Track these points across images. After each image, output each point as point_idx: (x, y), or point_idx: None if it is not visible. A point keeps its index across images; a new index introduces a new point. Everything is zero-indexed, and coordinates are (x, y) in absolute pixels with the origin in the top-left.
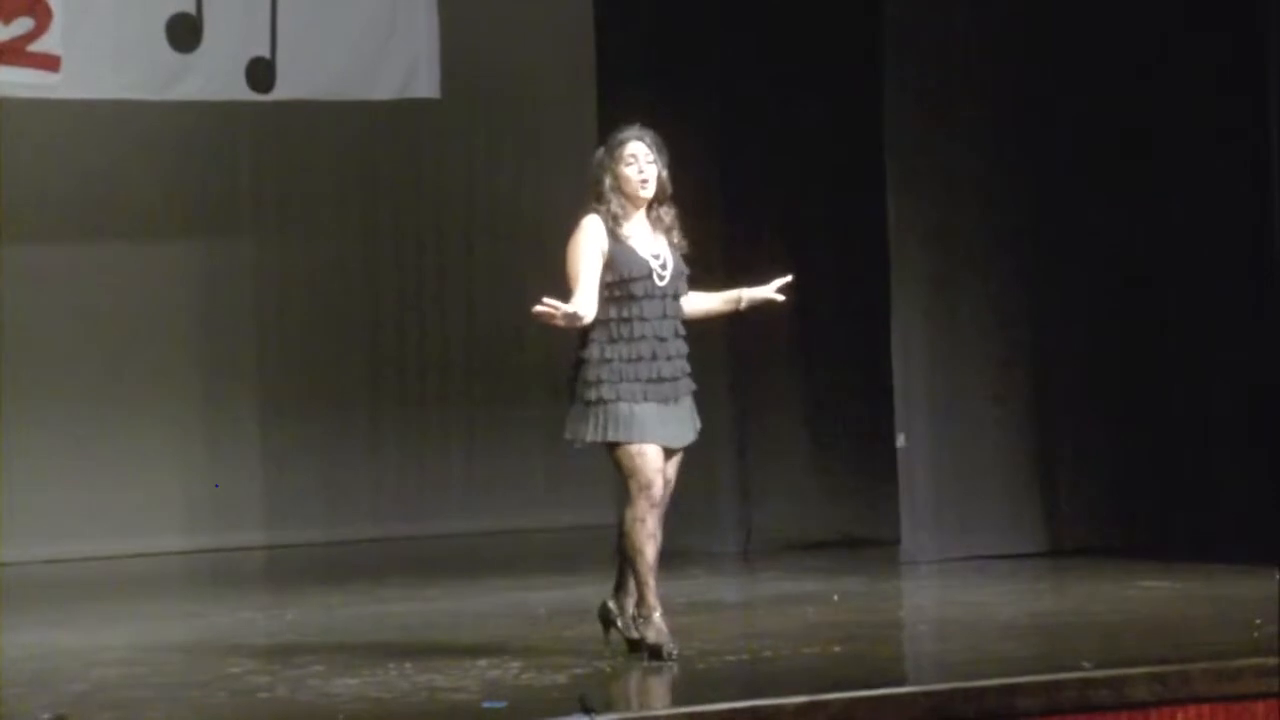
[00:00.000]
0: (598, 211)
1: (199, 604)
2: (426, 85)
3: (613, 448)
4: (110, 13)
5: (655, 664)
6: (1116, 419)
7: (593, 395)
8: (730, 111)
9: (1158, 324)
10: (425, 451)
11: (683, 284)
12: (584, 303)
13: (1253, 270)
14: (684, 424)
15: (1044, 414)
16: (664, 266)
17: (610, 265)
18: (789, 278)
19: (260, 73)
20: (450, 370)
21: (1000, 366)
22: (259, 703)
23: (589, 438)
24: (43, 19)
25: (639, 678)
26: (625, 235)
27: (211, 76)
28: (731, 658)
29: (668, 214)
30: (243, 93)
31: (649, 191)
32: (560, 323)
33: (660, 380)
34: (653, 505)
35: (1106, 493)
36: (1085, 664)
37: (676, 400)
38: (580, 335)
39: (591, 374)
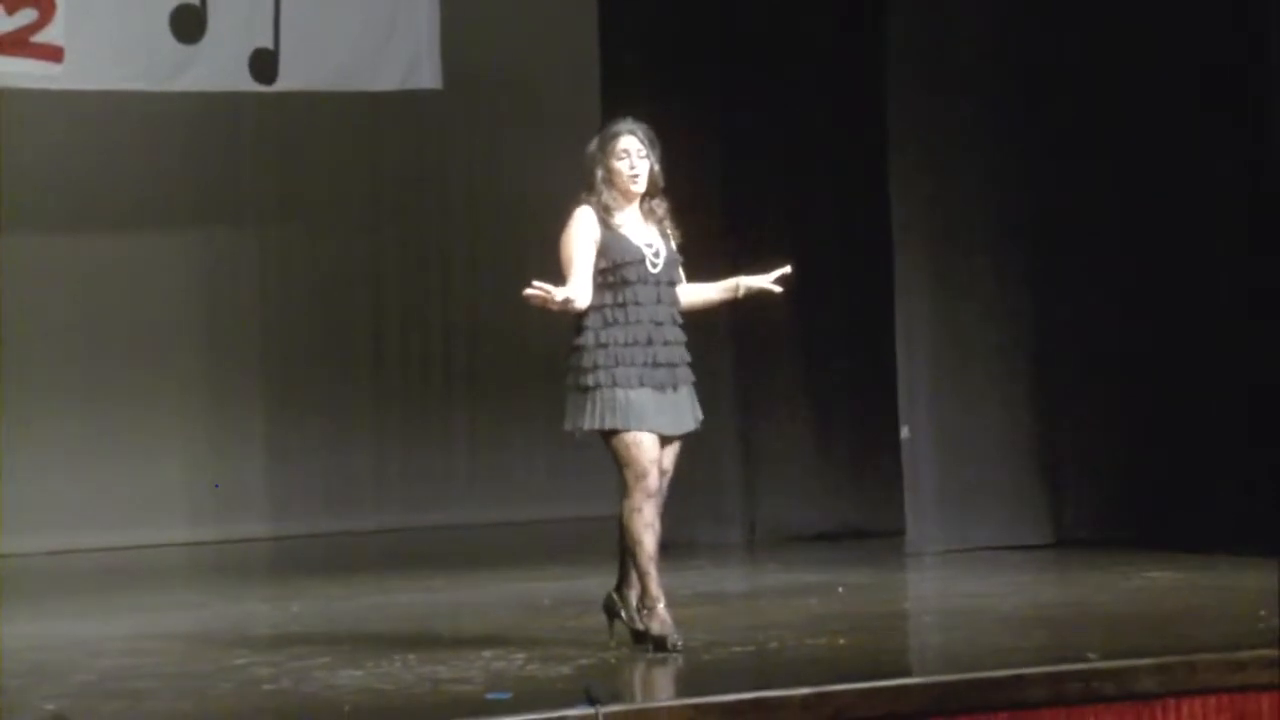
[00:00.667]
0: (590, 202)
1: (203, 595)
2: (429, 76)
3: (609, 436)
4: (114, 4)
5: (660, 655)
6: (1119, 411)
7: (589, 380)
8: (733, 105)
9: (1159, 319)
10: (429, 442)
11: (678, 272)
12: (578, 288)
13: (1253, 269)
14: (682, 412)
15: (1047, 406)
16: (657, 254)
17: (603, 252)
18: (787, 268)
19: (263, 64)
20: (453, 361)
21: (1003, 359)
22: (263, 694)
23: (586, 425)
24: (46, 10)
25: (644, 669)
26: (617, 224)
27: (215, 68)
28: (737, 649)
29: (660, 206)
30: (246, 84)
31: (640, 186)
32: (554, 308)
33: (656, 365)
34: (649, 495)
35: (1110, 484)
36: (1090, 655)
37: (674, 388)
38: (575, 322)
39: (587, 359)
